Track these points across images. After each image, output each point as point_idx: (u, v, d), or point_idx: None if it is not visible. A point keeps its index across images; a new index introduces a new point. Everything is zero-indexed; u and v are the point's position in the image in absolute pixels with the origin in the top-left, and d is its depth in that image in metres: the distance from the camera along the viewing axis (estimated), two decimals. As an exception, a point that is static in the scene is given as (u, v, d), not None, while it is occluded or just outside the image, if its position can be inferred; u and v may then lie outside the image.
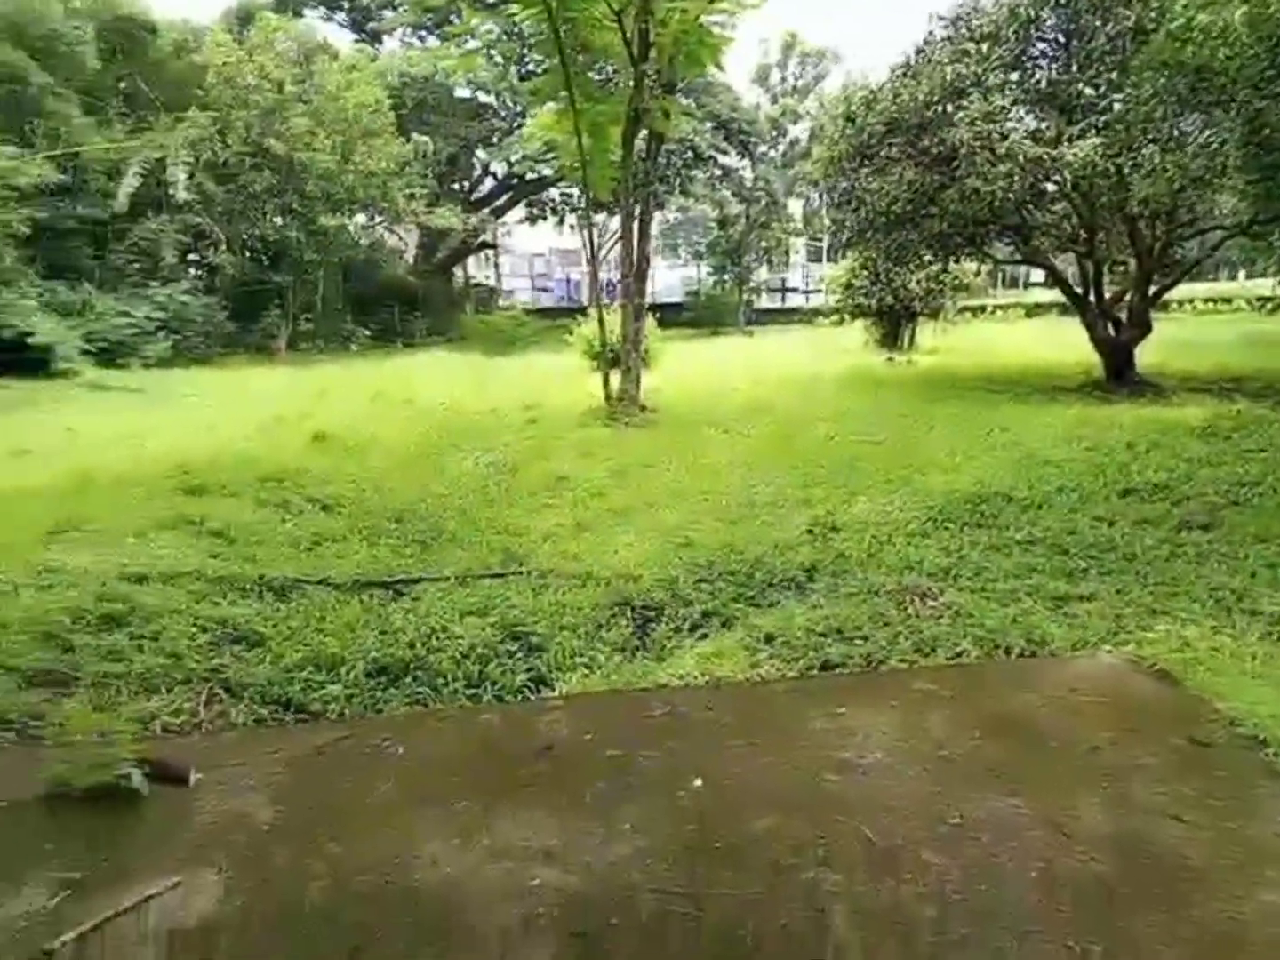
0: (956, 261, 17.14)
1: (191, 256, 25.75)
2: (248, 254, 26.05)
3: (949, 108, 12.64)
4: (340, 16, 33.65)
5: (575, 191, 34.41)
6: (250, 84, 22.70)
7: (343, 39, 32.60)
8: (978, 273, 21.68)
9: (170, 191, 23.06)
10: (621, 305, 13.20)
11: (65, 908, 2.07)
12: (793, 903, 2.06)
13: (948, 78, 12.70)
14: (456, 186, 34.20)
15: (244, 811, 2.50)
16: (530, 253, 50.26)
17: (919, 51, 13.87)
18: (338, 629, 5.23)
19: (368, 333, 26.90)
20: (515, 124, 33.15)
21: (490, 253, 40.35)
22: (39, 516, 6.78)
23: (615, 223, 28.51)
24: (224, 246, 24.39)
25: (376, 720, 3.69)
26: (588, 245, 16.35)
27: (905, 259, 15.56)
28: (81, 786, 2.55)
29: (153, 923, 2.03)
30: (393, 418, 12.41)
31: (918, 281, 19.35)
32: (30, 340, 17.09)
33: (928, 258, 15.85)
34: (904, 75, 13.54)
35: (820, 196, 35.56)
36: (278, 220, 24.24)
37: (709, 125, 30.71)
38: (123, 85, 24.09)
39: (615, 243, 27.85)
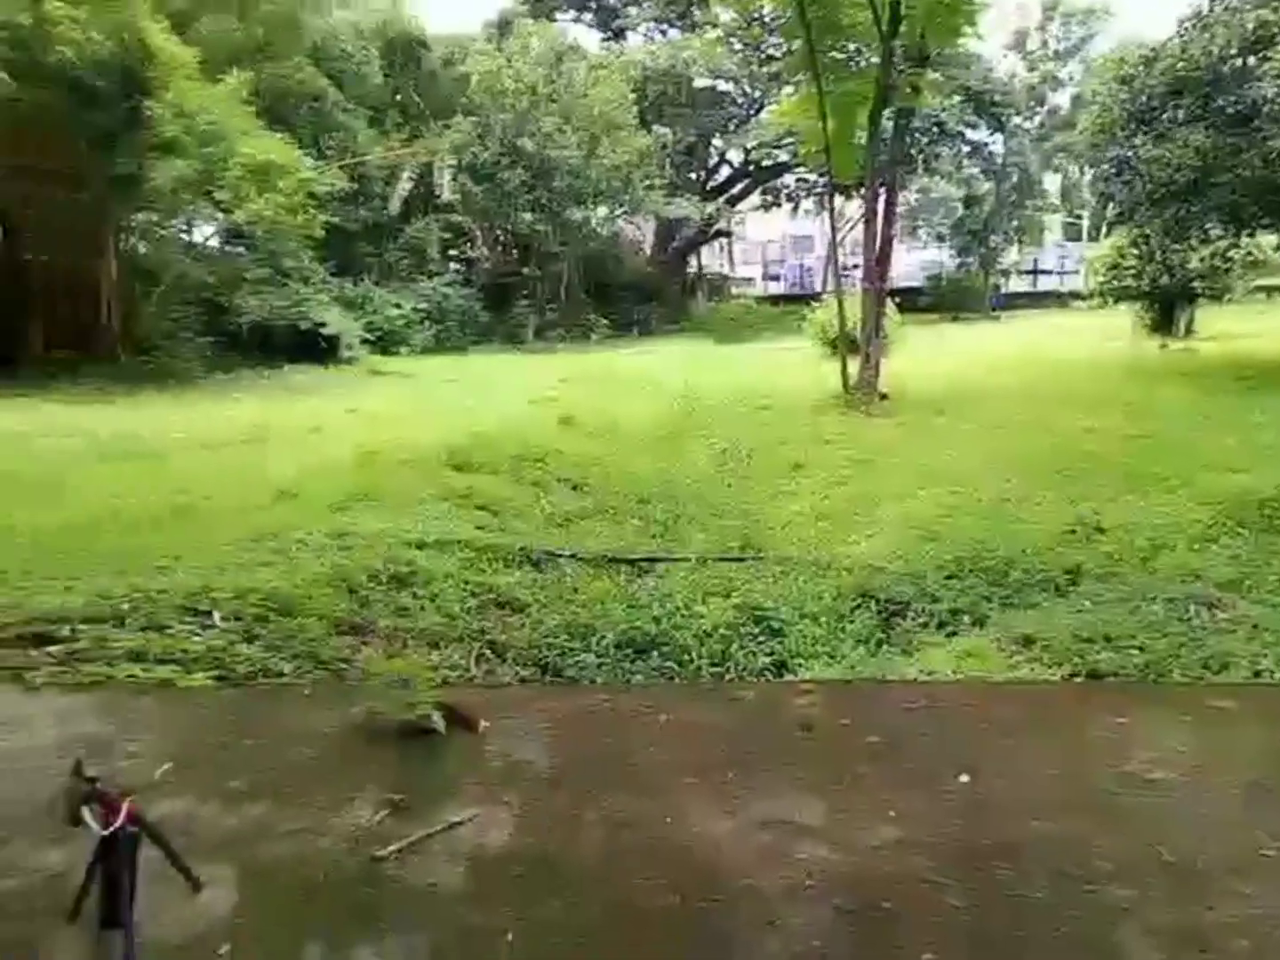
0: (1250, 235, 15.15)
1: (452, 252, 27.96)
2: (500, 248, 27.92)
3: (1250, 60, 11.17)
4: (588, 17, 35.07)
5: (811, 176, 33.81)
6: (507, 88, 24.27)
7: (590, 38, 34.00)
8: (1277, 247, 19.05)
9: (436, 193, 25.20)
10: (862, 290, 12.86)
11: (388, 824, 2.37)
12: (1077, 913, 1.97)
13: (1249, 26, 11.22)
14: (693, 176, 34.70)
15: (527, 760, 2.73)
16: (763, 240, 50.04)
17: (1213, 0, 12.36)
18: (589, 601, 5.55)
19: (606, 322, 27.99)
20: (753, 110, 33.10)
21: (724, 241, 40.60)
22: (336, 487, 7.68)
23: (853, 207, 27.79)
24: (480, 242, 26.31)
25: (633, 688, 3.88)
26: (827, 230, 16.05)
27: (1186, 234, 13.98)
28: (392, 723, 2.90)
29: (458, 846, 2.28)
30: (632, 404, 12.86)
31: (1200, 259, 17.28)
32: (322, 331, 19.35)
33: (1214, 231, 14.13)
34: (1194, 27, 12.12)
35: (1083, 169, 32.62)
36: (528, 215, 25.76)
37: (957, 99, 29.04)
38: (399, 98, 26.55)
39: (852, 227, 27.12)
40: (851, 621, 5.21)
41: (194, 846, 2.16)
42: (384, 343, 21.93)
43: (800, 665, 4.73)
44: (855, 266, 26.84)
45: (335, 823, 2.38)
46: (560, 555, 6.40)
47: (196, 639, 4.24)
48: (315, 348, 19.41)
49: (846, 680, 4.07)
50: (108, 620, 4.35)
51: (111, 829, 1.88)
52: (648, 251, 33.98)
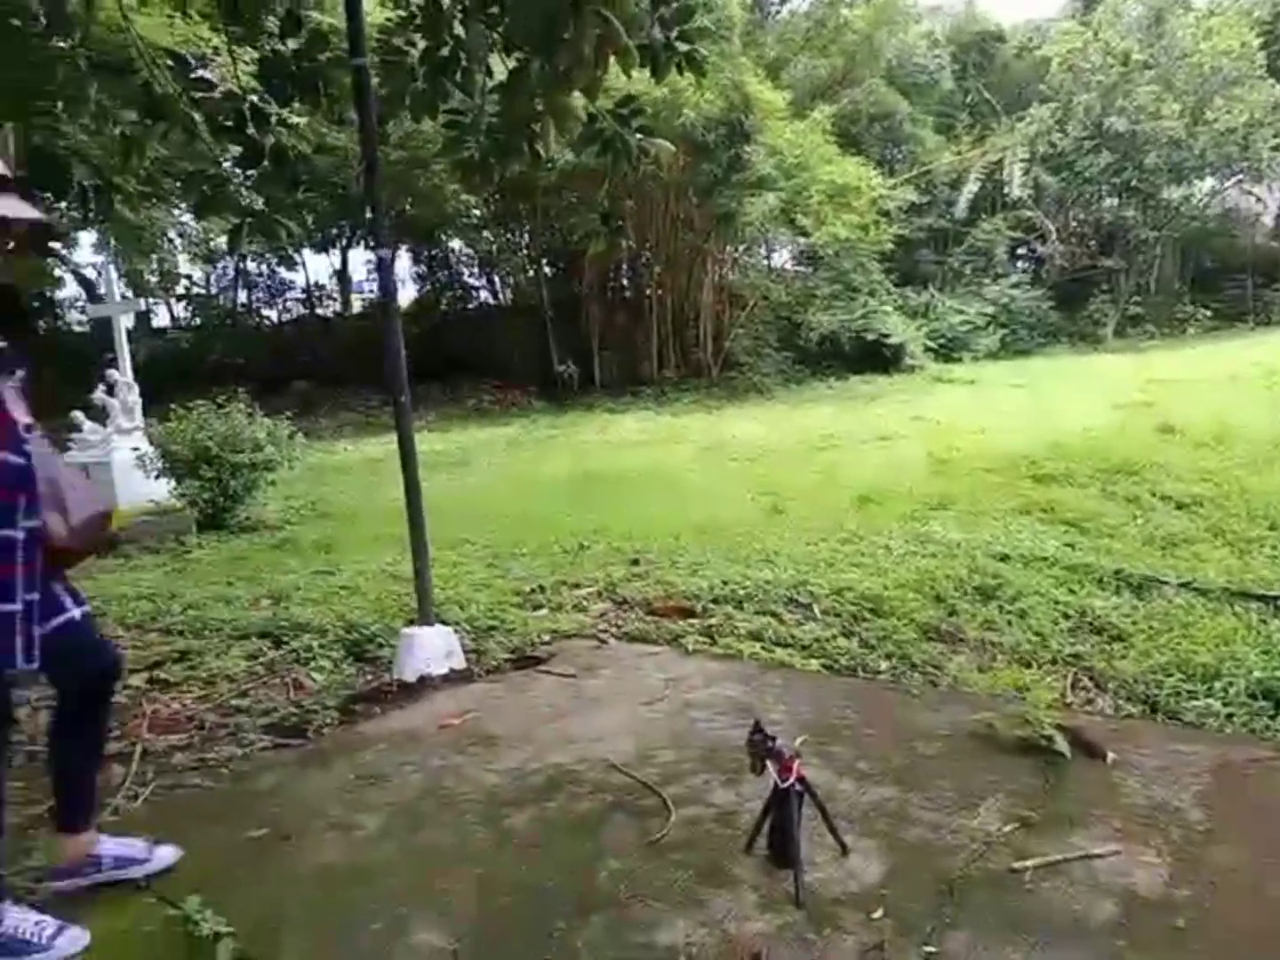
0: None
1: (1020, 251, 26.52)
2: (1076, 241, 25.66)
3: None
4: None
5: None
6: (1093, 64, 22.17)
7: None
8: None
9: (1005, 190, 24.12)
10: None
11: (1017, 838, 2.36)
12: None
13: None
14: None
15: (1171, 804, 2.49)
16: None
17: None
18: (1208, 639, 4.84)
19: (1208, 313, 23.97)
20: None
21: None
22: (911, 494, 7.87)
23: None
24: (1053, 237, 24.47)
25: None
26: None
27: None
28: (1009, 737, 2.87)
29: (1099, 878, 2.17)
30: (1254, 408, 10.82)
31: None
32: (886, 341, 19.89)
33: None
34: None
35: None
36: (1111, 201, 23.25)
37: None
38: (968, 99, 26.03)
39: None
40: None
41: (835, 813, 2.39)
42: (946, 349, 21.74)
43: None
44: None
45: (962, 823, 2.44)
46: (1166, 583, 5.69)
47: (802, 628, 4.71)
48: (878, 357, 20.05)
49: None
50: (730, 602, 5.06)
51: (787, 783, 2.19)
52: (1269, 224, 28.16)
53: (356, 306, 24.70)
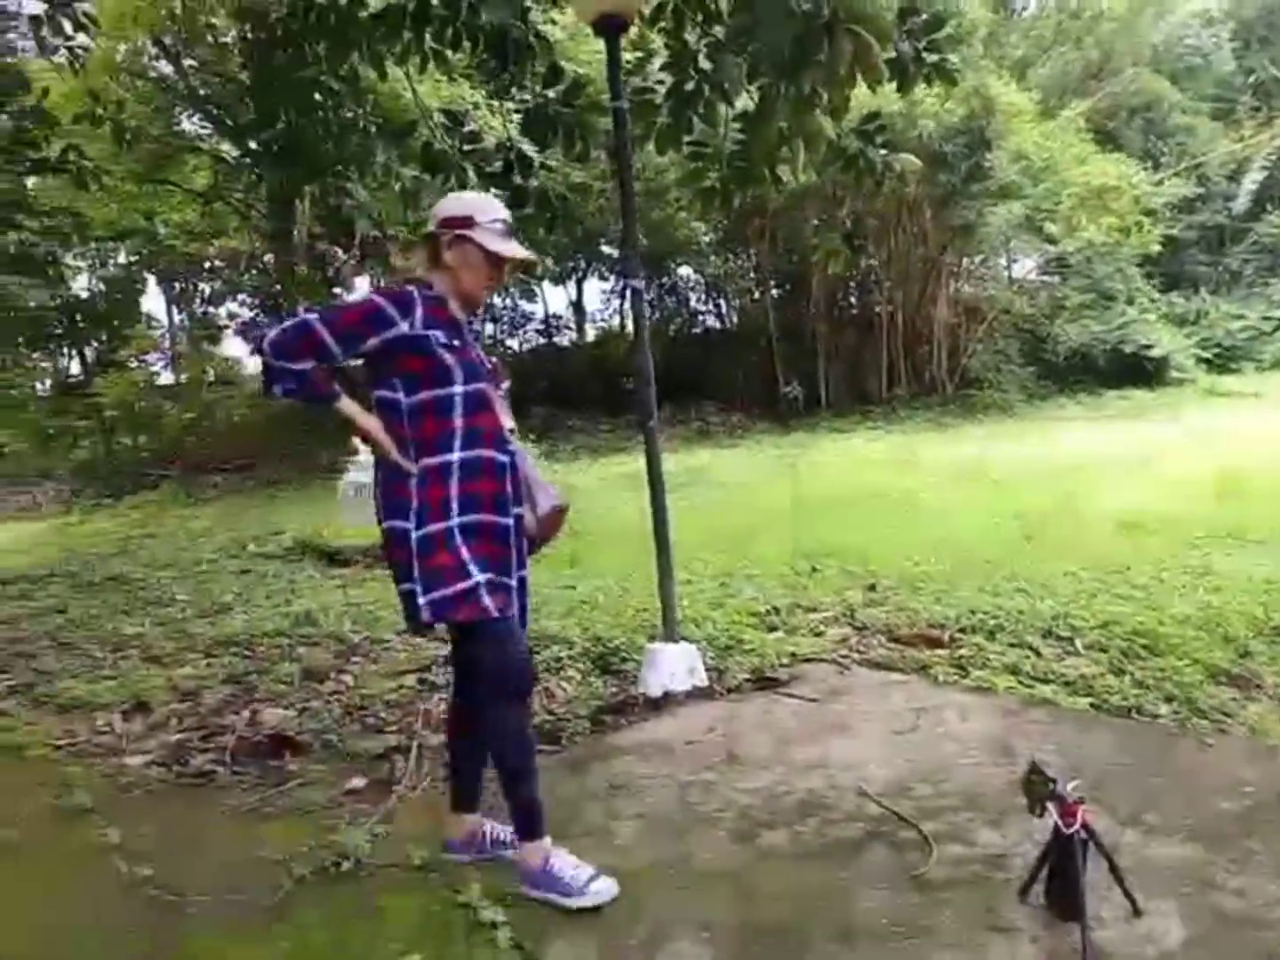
0: None
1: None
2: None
3: None
4: None
5: None
6: None
7: None
8: None
9: (1298, 179, 21.29)
10: None
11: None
12: None
13: None
14: None
15: None
16: None
17: None
18: None
19: None
20: None
21: None
22: (1186, 521, 7.08)
23: None
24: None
25: None
26: None
27: None
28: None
29: None
30: None
31: None
32: (1147, 353, 18.10)
33: None
34: None
35: None
36: None
37: None
38: (1251, 79, 23.21)
39: None
40: None
41: (1122, 868, 2.19)
42: (1222, 360, 19.47)
43: None
44: None
45: (1281, 894, 2.16)
46: None
47: (1064, 664, 4.35)
48: (1139, 370, 18.31)
49: None
50: (980, 633, 4.78)
51: (1071, 830, 2.03)
52: None
53: (590, 335, 25.90)
